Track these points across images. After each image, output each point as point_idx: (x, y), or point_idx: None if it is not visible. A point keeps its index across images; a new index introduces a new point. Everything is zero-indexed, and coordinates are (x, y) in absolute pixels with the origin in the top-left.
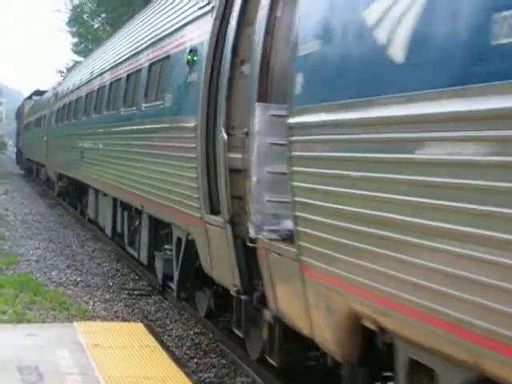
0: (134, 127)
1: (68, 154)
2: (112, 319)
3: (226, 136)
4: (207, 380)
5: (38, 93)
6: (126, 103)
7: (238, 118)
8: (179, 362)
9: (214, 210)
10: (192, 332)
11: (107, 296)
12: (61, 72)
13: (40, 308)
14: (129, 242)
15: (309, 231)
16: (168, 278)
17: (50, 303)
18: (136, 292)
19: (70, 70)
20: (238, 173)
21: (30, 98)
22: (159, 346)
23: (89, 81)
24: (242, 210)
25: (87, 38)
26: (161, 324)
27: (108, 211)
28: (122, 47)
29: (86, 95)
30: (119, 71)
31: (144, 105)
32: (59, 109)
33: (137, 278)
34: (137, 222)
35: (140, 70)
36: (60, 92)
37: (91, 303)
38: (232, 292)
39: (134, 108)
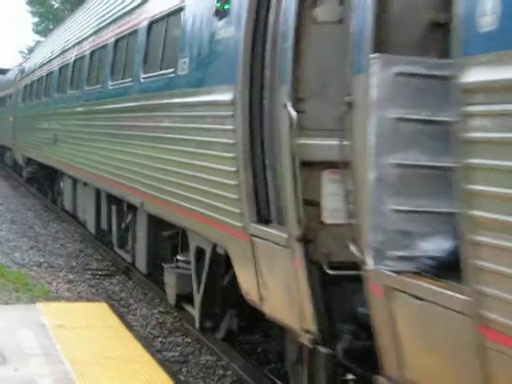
0: (130, 104)
1: (38, 137)
2: (76, 300)
3: (295, 113)
4: (172, 359)
5: (0, 71)
6: (115, 75)
7: (312, 86)
8: (144, 341)
9: (263, 217)
10: (156, 311)
11: (71, 276)
12: (22, 52)
13: (2, 289)
14: (119, 243)
15: (503, 269)
16: (183, 297)
17: (13, 285)
18: (100, 272)
19: (31, 50)
20: (310, 167)
21: None
22: (123, 326)
23: (63, 51)
24: (316, 221)
25: (48, 18)
26: (125, 304)
27: (90, 204)
28: (110, 4)
29: (60, 69)
30: (104, 36)
31: (143, 75)
32: (27, 86)
33: (100, 258)
34: (128, 219)
35: (135, 31)
36: (27, 68)
37: (54, 284)
38: (303, 341)
39: (128, 80)
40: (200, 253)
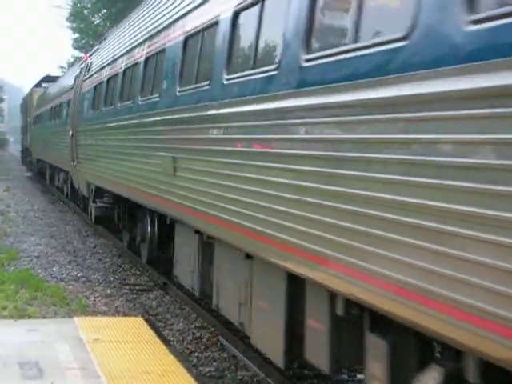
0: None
1: (125, 161)
2: (113, 314)
3: None
4: (208, 374)
5: (49, 79)
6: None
7: None
8: (180, 356)
9: None
10: (193, 326)
11: (108, 291)
12: (62, 67)
13: (41, 303)
14: None
15: None
16: None
17: (51, 298)
18: (137, 287)
19: (71, 65)
20: None
21: (38, 85)
22: (159, 341)
23: (155, 34)
24: None
25: (88, 34)
26: (162, 319)
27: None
28: None
29: (148, 59)
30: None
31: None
32: (98, 88)
33: (138, 273)
34: None
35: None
36: (97, 63)
37: (92, 298)
38: None
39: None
40: None
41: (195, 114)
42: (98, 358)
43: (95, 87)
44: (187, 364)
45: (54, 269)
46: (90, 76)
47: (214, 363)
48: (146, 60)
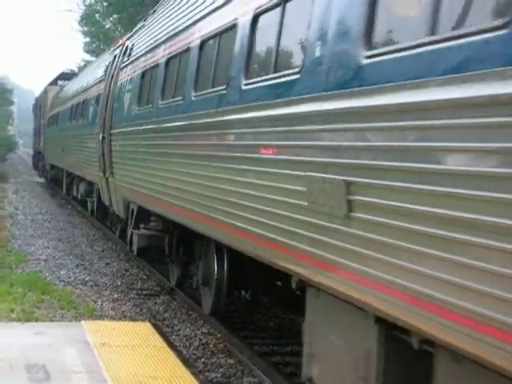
0: None
1: (197, 177)
2: (120, 319)
3: None
4: (214, 380)
5: (66, 76)
6: None
7: None
8: (186, 361)
9: None
10: (200, 332)
11: (115, 295)
12: (72, 71)
13: (48, 307)
14: None
15: None
16: None
17: (58, 302)
18: (144, 292)
19: (81, 69)
20: None
21: (54, 83)
22: (166, 346)
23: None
24: None
25: (99, 38)
26: (169, 324)
27: None
28: None
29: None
30: None
31: None
32: (146, 75)
33: (145, 277)
34: None
35: None
36: (142, 43)
37: (99, 302)
38: None
39: None
40: None
41: None
42: (105, 362)
43: (143, 74)
44: (194, 370)
45: (62, 272)
46: (133, 61)
47: (221, 369)
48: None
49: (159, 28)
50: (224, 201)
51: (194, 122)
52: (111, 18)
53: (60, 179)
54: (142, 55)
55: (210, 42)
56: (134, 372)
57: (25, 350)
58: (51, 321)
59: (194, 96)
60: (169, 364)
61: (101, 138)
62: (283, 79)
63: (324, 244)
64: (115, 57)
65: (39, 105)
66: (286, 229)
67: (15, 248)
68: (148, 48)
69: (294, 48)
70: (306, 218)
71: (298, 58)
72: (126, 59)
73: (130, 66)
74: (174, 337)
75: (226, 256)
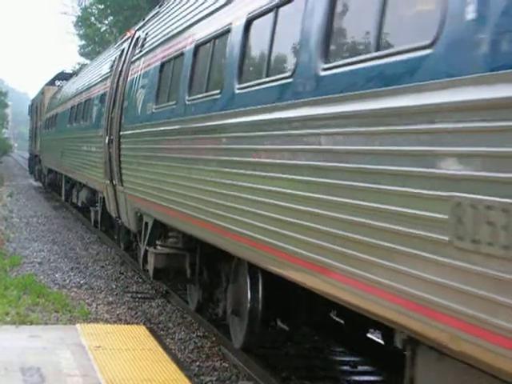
0: None
1: (227, 187)
2: (115, 322)
3: None
4: (209, 383)
5: (64, 76)
6: None
7: None
8: (181, 364)
9: None
10: (195, 335)
11: (110, 299)
12: (73, 70)
13: (43, 310)
14: None
15: None
16: None
17: (53, 305)
18: (139, 295)
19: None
20: None
21: (52, 83)
22: (161, 349)
23: None
24: None
25: (94, 41)
26: (163, 327)
27: None
28: None
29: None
30: None
31: None
32: (165, 67)
33: (140, 280)
34: None
35: None
36: (158, 31)
37: (94, 306)
38: None
39: None
40: None
41: None
42: (100, 365)
43: (161, 66)
44: (189, 373)
45: (57, 275)
46: (147, 52)
47: (216, 373)
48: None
49: (184, 11)
50: (265, 217)
51: (238, 120)
52: (106, 21)
53: (58, 185)
54: (159, 44)
55: (262, 19)
56: (128, 375)
57: (20, 353)
58: (46, 324)
59: (239, 88)
60: (163, 367)
61: (107, 140)
62: None
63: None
64: (123, 51)
65: (36, 106)
66: (394, 268)
67: (10, 251)
68: (168, 35)
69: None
70: (446, 260)
71: None
72: (137, 51)
73: (143, 59)
74: (168, 340)
75: (261, 280)
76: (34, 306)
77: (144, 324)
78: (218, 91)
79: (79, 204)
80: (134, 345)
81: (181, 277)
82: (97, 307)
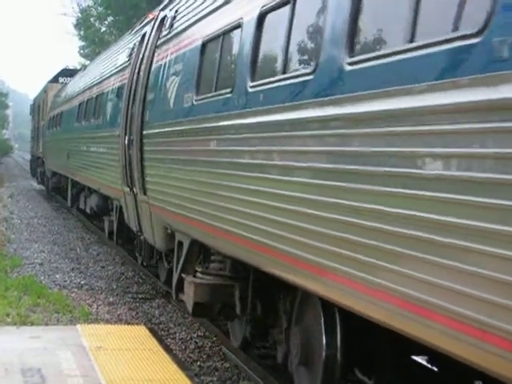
0: None
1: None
2: (115, 322)
3: None
4: (210, 383)
5: (68, 72)
6: None
7: None
8: (182, 365)
9: None
10: (195, 335)
11: (111, 299)
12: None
13: (43, 310)
14: None
15: None
16: None
17: (54, 306)
18: (140, 295)
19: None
20: None
21: (55, 80)
22: (162, 349)
23: None
24: None
25: (94, 42)
26: (164, 327)
27: None
28: None
29: None
30: None
31: None
32: (208, 46)
33: (141, 281)
34: None
35: None
36: (190, 9)
37: (95, 306)
38: None
39: None
40: None
41: None
42: (101, 365)
43: (202, 47)
44: (190, 373)
45: (57, 276)
46: (180, 32)
47: (216, 373)
48: None
49: None
50: (340, 239)
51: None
52: (106, 22)
53: (63, 189)
54: (197, 20)
55: None
56: (129, 375)
57: (20, 354)
58: (46, 325)
59: (350, 67)
60: (164, 367)
61: (126, 141)
62: None
63: None
64: (144, 35)
65: (38, 105)
66: None
67: (10, 252)
68: (214, 5)
69: None
70: None
71: None
72: (164, 34)
73: (174, 41)
74: (169, 340)
75: (338, 321)
76: (35, 306)
77: (145, 324)
78: (307, 70)
79: (87, 210)
80: (135, 345)
81: (228, 313)
82: (97, 308)
